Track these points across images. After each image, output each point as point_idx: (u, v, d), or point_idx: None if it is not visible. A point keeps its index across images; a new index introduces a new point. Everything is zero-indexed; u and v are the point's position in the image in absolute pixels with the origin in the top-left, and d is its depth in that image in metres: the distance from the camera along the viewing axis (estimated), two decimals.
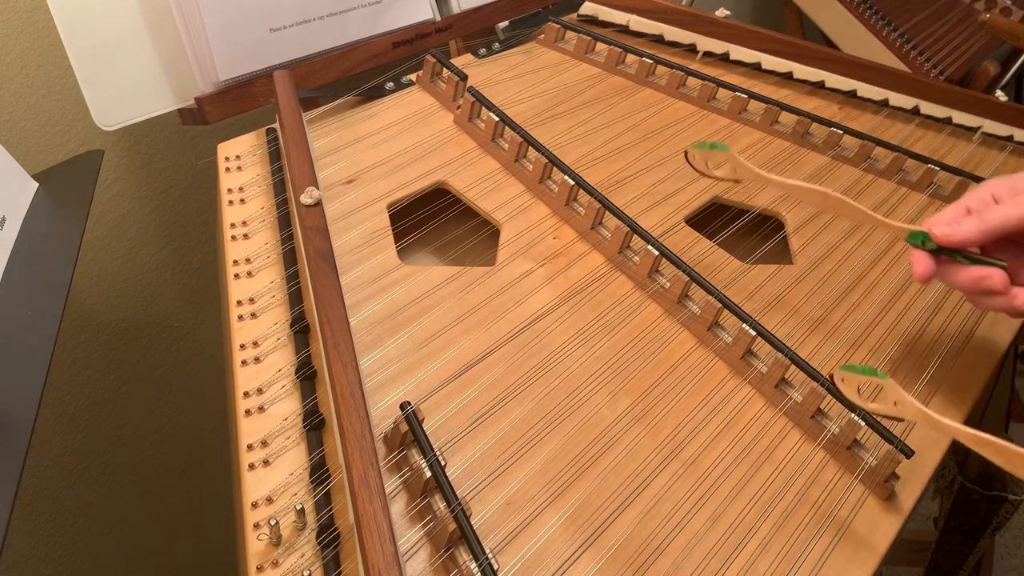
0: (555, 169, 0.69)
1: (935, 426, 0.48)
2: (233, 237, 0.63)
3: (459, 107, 0.76)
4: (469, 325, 0.58)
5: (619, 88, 0.87)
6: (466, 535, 0.42)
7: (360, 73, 0.80)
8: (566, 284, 0.62)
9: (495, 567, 0.41)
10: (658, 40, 0.95)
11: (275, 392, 0.52)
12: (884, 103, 0.92)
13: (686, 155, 0.62)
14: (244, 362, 0.54)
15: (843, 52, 1.00)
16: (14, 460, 0.44)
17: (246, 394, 0.51)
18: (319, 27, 0.77)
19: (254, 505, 0.45)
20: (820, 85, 0.92)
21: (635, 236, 0.63)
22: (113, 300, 0.96)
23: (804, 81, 0.92)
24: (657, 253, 0.62)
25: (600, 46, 0.89)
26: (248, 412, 0.50)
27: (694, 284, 0.60)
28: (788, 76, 0.93)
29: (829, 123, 0.82)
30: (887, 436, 0.50)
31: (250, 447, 0.48)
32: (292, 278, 0.58)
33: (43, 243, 0.59)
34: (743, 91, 0.84)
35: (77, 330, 0.94)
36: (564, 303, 0.61)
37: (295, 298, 0.57)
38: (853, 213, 0.57)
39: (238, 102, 0.74)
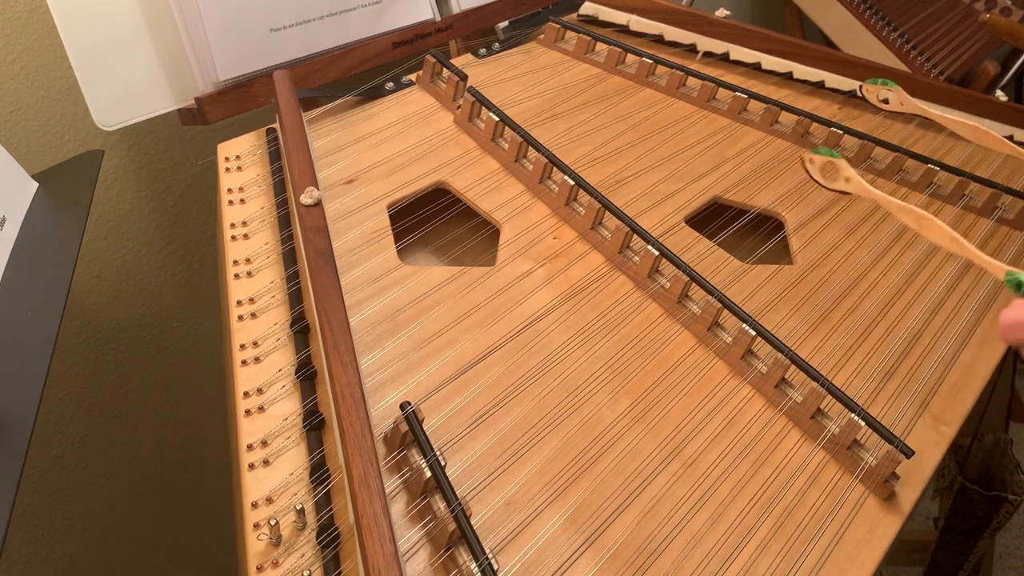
0: (555, 169, 0.69)
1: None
2: (233, 237, 0.63)
3: (459, 107, 0.76)
4: (469, 325, 0.58)
5: (619, 88, 0.87)
6: (466, 535, 0.42)
7: (360, 73, 0.80)
8: (566, 284, 0.62)
9: (495, 567, 0.41)
10: (658, 40, 0.95)
11: (275, 392, 0.52)
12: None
13: (803, 161, 0.61)
14: (244, 362, 0.54)
15: (843, 52, 1.00)
16: (14, 460, 0.44)
17: (246, 394, 0.51)
18: (319, 27, 0.77)
19: (254, 505, 0.45)
20: (820, 85, 0.92)
21: (635, 236, 0.63)
22: (113, 300, 0.96)
23: (804, 81, 0.92)
24: (657, 253, 0.62)
25: (600, 46, 0.89)
26: (248, 412, 0.50)
27: (694, 284, 0.60)
28: (788, 76, 0.93)
29: (829, 123, 0.82)
30: (887, 436, 0.50)
31: (250, 447, 0.48)
32: (292, 278, 0.58)
33: (43, 243, 0.59)
34: (743, 91, 0.84)
35: (77, 330, 0.94)
36: (564, 303, 0.61)
37: (295, 298, 0.57)
38: (954, 249, 0.52)
39: (238, 102, 0.74)
